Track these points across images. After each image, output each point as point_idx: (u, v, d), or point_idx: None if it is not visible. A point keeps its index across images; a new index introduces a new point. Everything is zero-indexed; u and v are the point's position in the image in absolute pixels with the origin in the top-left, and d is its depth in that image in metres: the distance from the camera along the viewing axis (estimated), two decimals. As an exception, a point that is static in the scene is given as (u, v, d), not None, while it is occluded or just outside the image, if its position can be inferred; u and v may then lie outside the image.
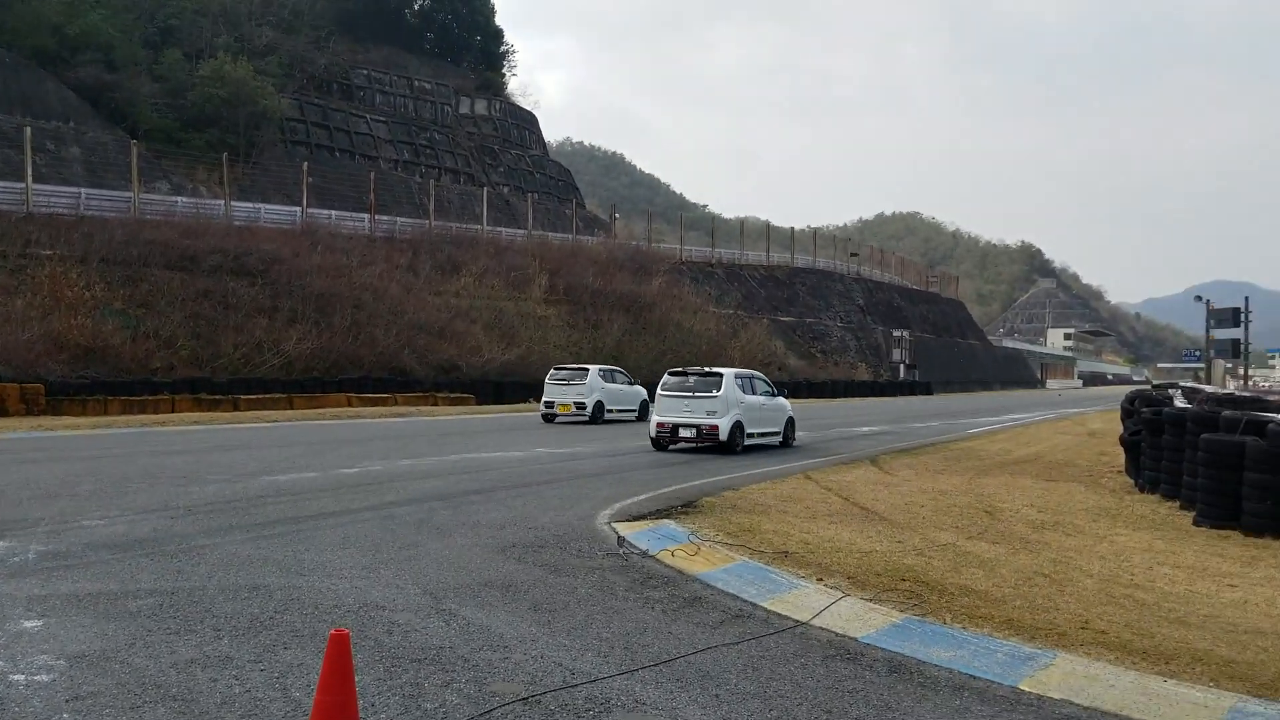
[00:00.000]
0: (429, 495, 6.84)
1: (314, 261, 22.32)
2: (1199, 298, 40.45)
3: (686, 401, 10.92)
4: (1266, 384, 69.94)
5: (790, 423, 12.04)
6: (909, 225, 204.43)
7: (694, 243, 48.61)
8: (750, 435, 11.21)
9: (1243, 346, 34.07)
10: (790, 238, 55.40)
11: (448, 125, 36.42)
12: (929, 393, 43.98)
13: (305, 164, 26.82)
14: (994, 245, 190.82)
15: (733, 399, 10.97)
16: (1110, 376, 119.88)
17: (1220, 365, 43.66)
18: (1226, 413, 7.22)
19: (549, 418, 16.14)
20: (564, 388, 16.67)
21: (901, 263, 69.30)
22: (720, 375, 11.11)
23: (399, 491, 7.00)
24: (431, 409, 18.40)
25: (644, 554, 5.14)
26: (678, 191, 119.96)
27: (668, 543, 5.41)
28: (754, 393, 11.51)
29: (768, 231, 51.75)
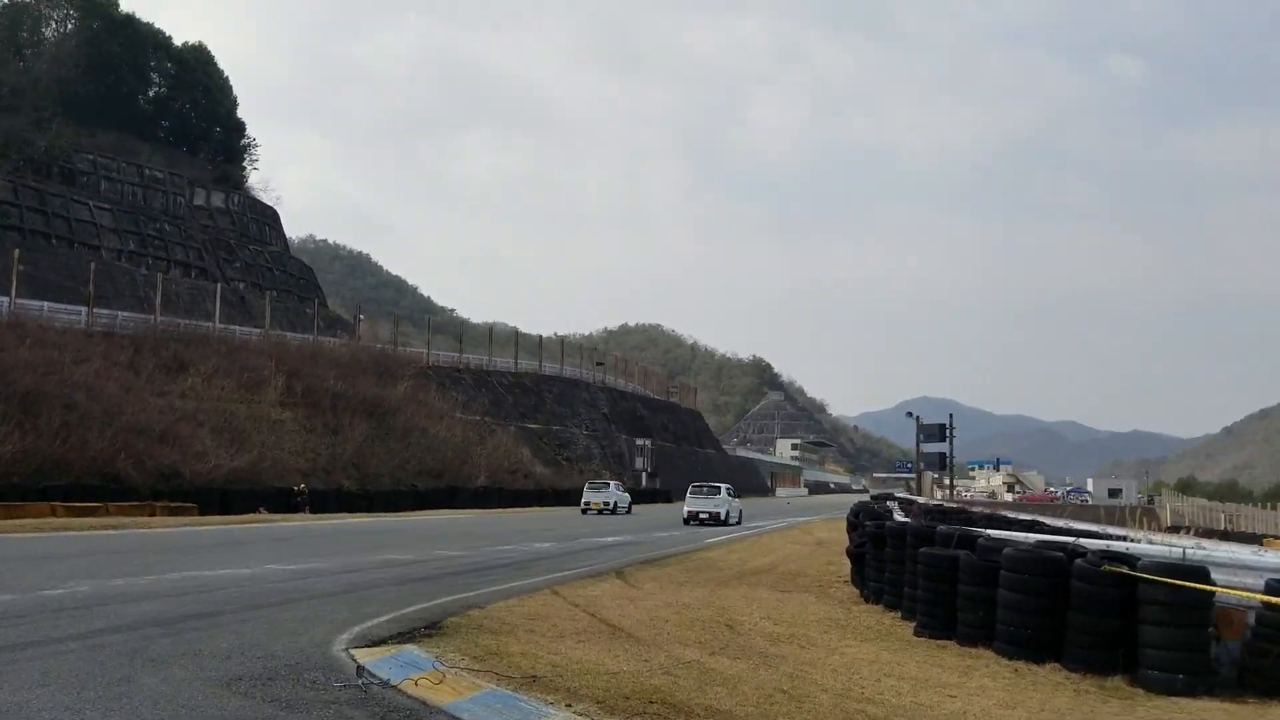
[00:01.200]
0: (145, 620, 6.43)
1: (20, 356, 21.69)
2: (910, 414, 42.09)
3: (704, 499, 25.57)
4: (969, 494, 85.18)
5: (739, 512, 26.80)
6: (651, 336, 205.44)
7: (441, 346, 48.95)
8: (731, 517, 25.31)
9: (948, 460, 37.76)
10: (538, 345, 58.59)
11: (180, 216, 36.29)
12: (669, 500, 44.58)
13: (16, 250, 26.18)
14: (729, 359, 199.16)
15: (725, 498, 25.54)
16: (833, 485, 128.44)
17: (929, 476, 43.98)
18: (942, 528, 7.85)
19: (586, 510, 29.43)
20: (598, 492, 30.38)
21: (644, 373, 69.60)
22: (720, 486, 26.88)
23: (110, 617, 6.59)
24: (149, 520, 18.33)
25: (385, 684, 5.02)
26: (425, 294, 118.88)
27: (411, 670, 5.28)
28: (732, 496, 26.97)
29: (516, 338, 52.59)
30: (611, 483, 34.85)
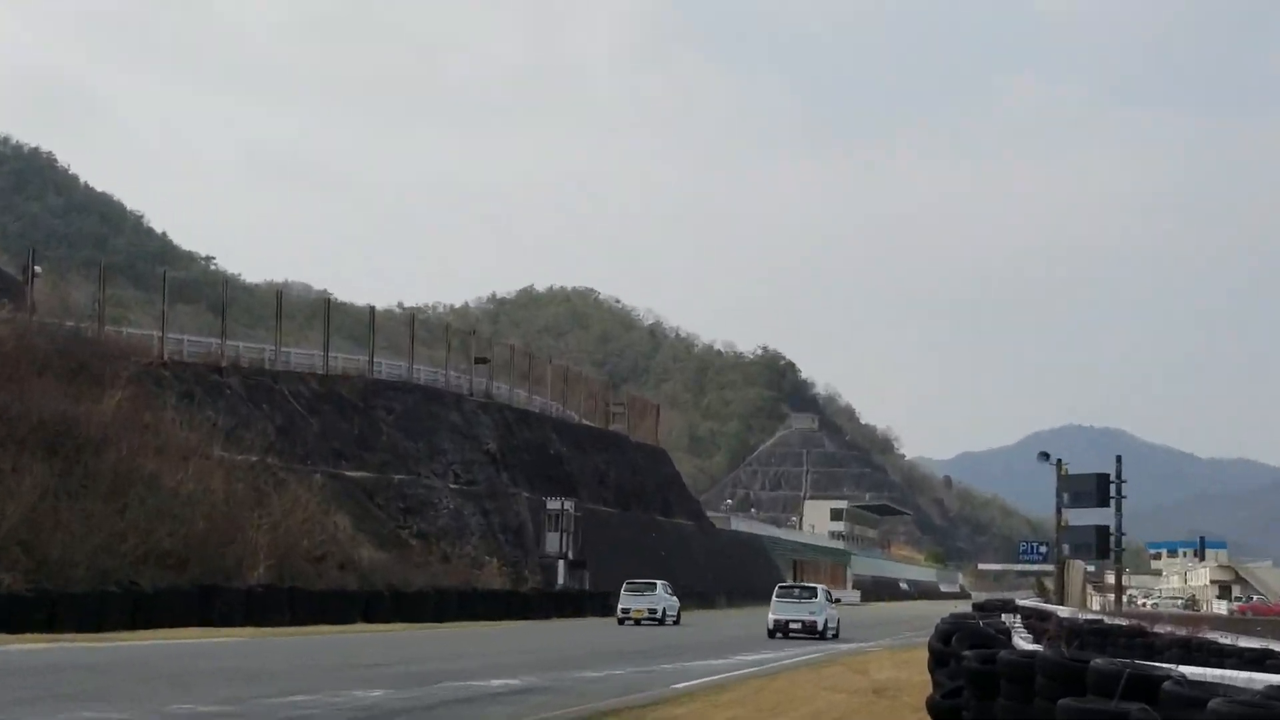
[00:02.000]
0: None
1: None
2: (1045, 455, 50.34)
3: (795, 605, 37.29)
4: (1151, 600, 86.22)
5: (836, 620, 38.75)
6: (577, 310, 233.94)
7: (191, 327, 48.46)
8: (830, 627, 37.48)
9: (1113, 539, 47.10)
10: (369, 325, 52.92)
11: None
12: (610, 613, 47.76)
13: None
14: (720, 354, 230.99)
15: (822, 603, 37.42)
16: (905, 585, 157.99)
17: (1078, 568, 57.04)
18: (1099, 662, 7.97)
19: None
20: (639, 597, 44.60)
21: (565, 377, 77.07)
22: (815, 588, 39.46)
23: None
24: None
25: None
26: (160, 230, 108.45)
27: None
28: (830, 600, 39.83)
29: (328, 312, 49.51)
30: (659, 583, 48.00)
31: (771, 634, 36.34)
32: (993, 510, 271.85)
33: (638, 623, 44.12)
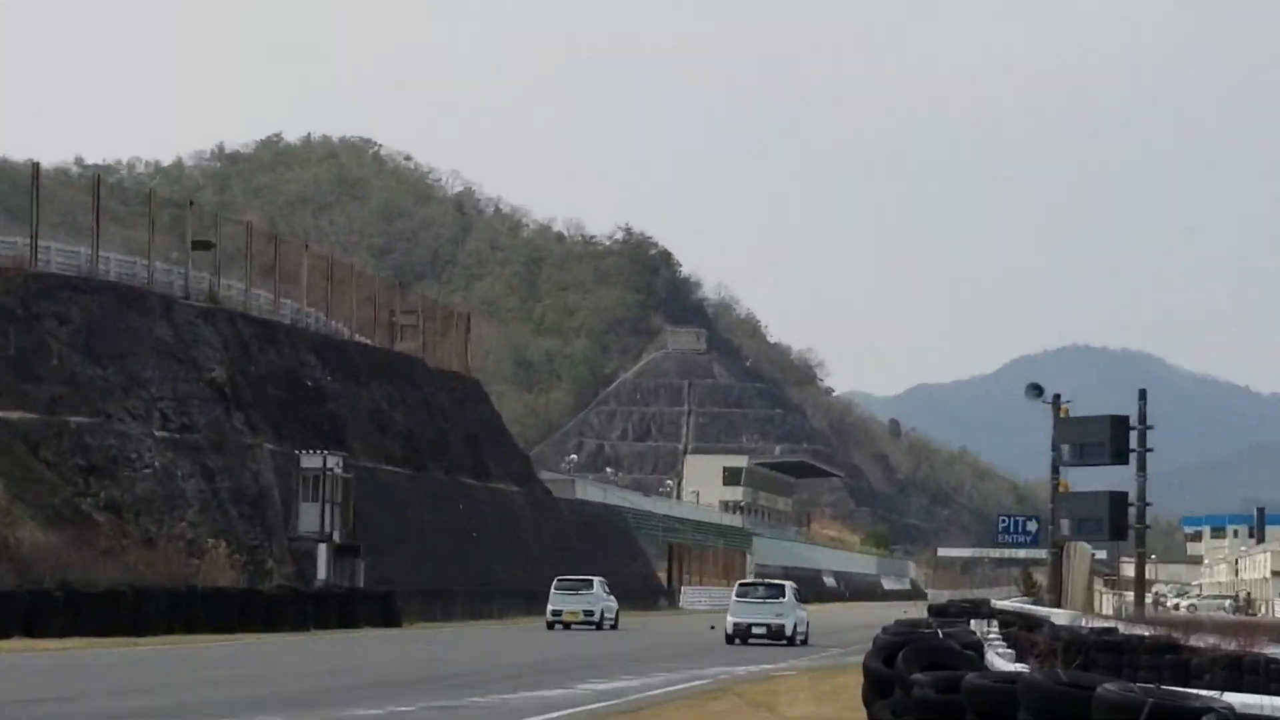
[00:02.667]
0: None
1: None
2: (1036, 388, 54.77)
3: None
4: (1185, 602, 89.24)
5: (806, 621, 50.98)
6: (347, 172, 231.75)
7: None
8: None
9: (1134, 511, 51.11)
10: (30, 189, 55.26)
11: None
12: (394, 620, 54.39)
13: None
14: (560, 236, 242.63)
15: (791, 603, 49.54)
16: (831, 580, 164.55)
17: (1082, 553, 59.67)
18: (1109, 687, 8.30)
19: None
20: (572, 597, 60.25)
21: (330, 272, 76.95)
22: (783, 586, 51.90)
23: None
24: None
25: None
26: None
27: None
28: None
29: None
30: (596, 579, 61.49)
31: (730, 639, 47.05)
32: (960, 470, 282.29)
33: (568, 626, 58.15)
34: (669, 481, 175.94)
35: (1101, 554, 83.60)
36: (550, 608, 59.12)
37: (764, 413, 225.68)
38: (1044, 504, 59.59)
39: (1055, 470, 51.92)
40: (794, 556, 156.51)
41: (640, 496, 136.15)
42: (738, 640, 46.87)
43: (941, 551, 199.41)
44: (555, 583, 60.53)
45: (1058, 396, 52.00)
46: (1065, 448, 49.65)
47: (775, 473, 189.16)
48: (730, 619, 47.39)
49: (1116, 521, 47.74)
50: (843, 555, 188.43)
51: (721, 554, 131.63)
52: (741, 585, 50.27)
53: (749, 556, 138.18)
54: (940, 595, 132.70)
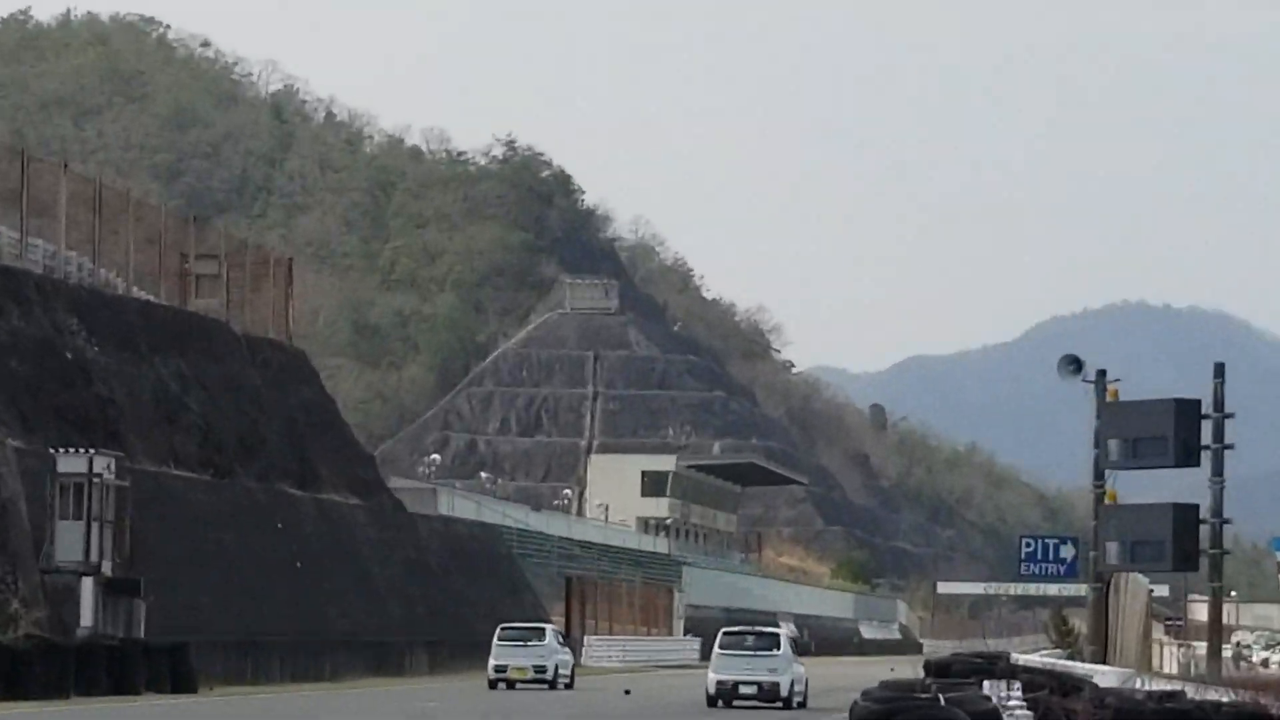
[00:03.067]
0: None
1: None
2: (1074, 362, 55.71)
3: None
4: (1276, 655, 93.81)
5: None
6: (120, 62, 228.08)
7: None
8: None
9: (1209, 529, 51.09)
10: None
11: None
12: (187, 684, 55.32)
13: None
14: (416, 152, 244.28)
15: (787, 657, 55.38)
16: (791, 627, 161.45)
17: (1137, 592, 60.14)
18: None
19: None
20: (519, 649, 68.89)
21: (97, 202, 76.77)
22: (777, 634, 58.43)
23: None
24: None
25: None
26: None
27: None
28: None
29: None
30: (548, 628, 71.76)
31: (712, 702, 52.13)
32: (968, 475, 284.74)
33: (512, 686, 65.88)
34: (567, 491, 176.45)
35: (1162, 590, 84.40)
36: (493, 663, 67.01)
37: (698, 396, 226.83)
38: (1083, 521, 60.20)
39: (1099, 475, 52.09)
40: (739, 595, 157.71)
41: (528, 512, 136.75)
42: (721, 702, 51.49)
43: (942, 587, 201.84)
44: (499, 632, 69.04)
45: (1103, 373, 52.17)
46: (1113, 444, 49.60)
47: (714, 479, 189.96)
48: (712, 675, 52.14)
49: (1184, 545, 47.48)
50: (807, 593, 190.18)
51: (640, 591, 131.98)
52: (727, 634, 54.72)
53: (677, 595, 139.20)
54: (941, 647, 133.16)
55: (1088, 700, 26.33)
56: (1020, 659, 50.78)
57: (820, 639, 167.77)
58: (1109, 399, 51.95)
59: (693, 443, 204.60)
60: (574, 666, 70.62)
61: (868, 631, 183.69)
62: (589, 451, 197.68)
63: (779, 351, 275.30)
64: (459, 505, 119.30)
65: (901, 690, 21.83)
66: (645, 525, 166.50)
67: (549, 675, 66.10)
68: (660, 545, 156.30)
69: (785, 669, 51.73)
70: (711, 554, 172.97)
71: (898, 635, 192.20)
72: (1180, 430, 48.21)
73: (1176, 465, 49.45)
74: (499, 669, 66.26)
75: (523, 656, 66.73)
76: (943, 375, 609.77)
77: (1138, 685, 36.18)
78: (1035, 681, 34.79)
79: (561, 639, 70.59)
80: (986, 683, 26.89)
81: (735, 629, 58.81)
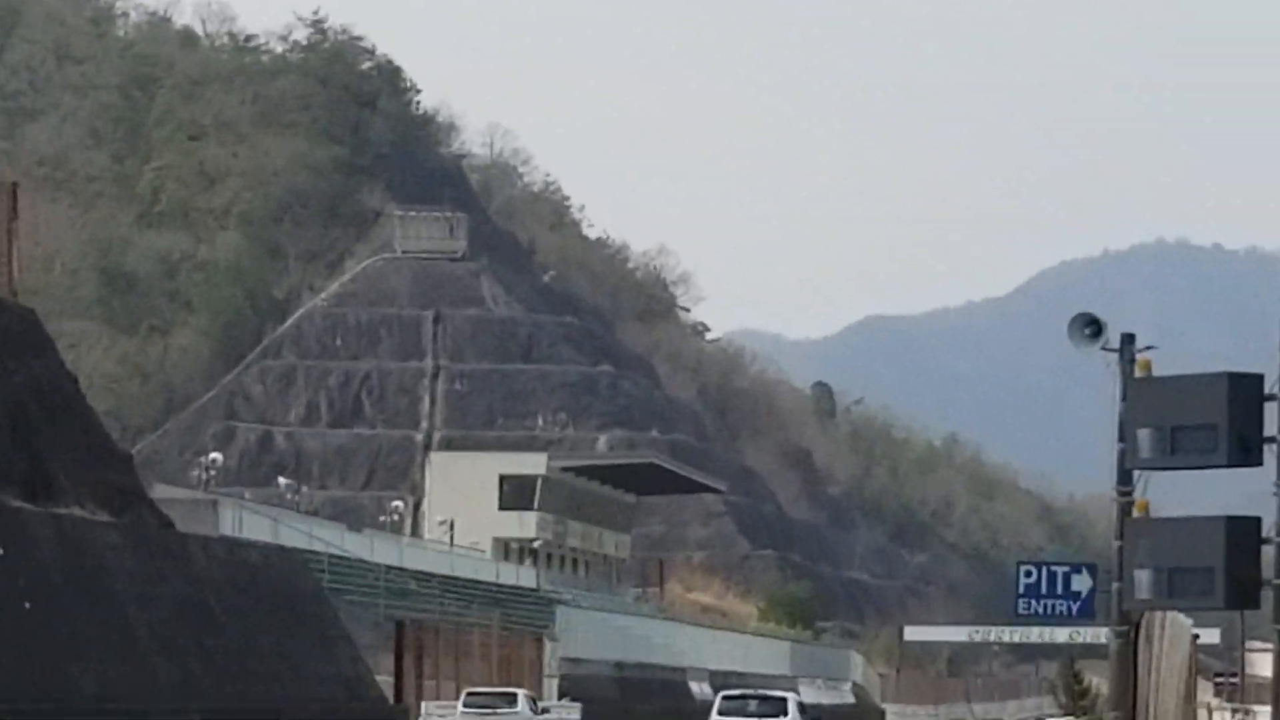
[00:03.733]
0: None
1: None
2: (1092, 324, 54.74)
3: None
4: None
5: None
6: None
7: None
8: None
9: (1276, 553, 50.34)
10: None
11: None
12: None
13: None
14: (186, 34, 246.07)
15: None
16: (703, 688, 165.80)
17: (1179, 635, 60.22)
18: None
19: None
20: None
21: None
22: (785, 700, 78.67)
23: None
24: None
25: None
26: None
27: None
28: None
29: None
30: (519, 693, 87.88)
31: None
32: (947, 477, 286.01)
33: None
34: (398, 504, 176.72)
35: (1211, 635, 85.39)
36: None
37: (577, 372, 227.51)
38: (1102, 542, 60.57)
39: (1124, 478, 52.40)
40: (634, 645, 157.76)
41: (344, 533, 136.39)
42: None
43: (911, 633, 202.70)
44: (464, 698, 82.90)
45: (1130, 338, 52.57)
46: (1143, 435, 49.48)
47: (600, 486, 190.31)
48: None
49: (1240, 574, 47.80)
50: (728, 641, 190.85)
51: (498, 640, 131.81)
52: (726, 699, 64.43)
53: (549, 645, 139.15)
54: (912, 714, 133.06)
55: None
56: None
57: (735, 707, 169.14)
58: (1139, 373, 52.36)
59: (570, 436, 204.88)
60: None
61: (810, 694, 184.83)
62: (428, 448, 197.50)
63: (688, 311, 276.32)
64: (249, 524, 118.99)
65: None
66: (505, 550, 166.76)
67: None
68: (526, 577, 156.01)
69: None
70: (596, 589, 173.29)
71: (851, 699, 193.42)
72: (1236, 416, 48.10)
73: (1230, 465, 49.31)
74: None
75: None
76: (911, 342, 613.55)
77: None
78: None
79: (534, 706, 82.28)
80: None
81: (735, 693, 66.80)
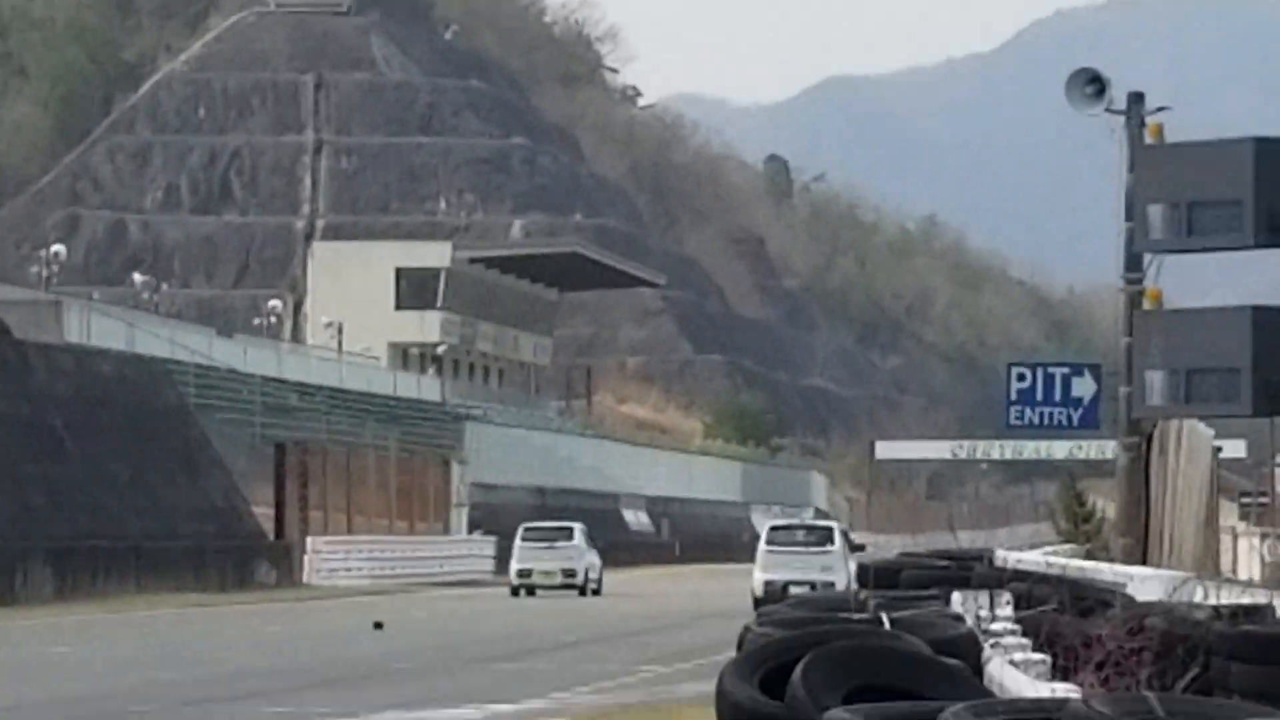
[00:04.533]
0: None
1: None
2: (1094, 81, 55.10)
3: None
4: None
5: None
6: None
7: None
8: None
9: None
10: None
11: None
12: None
13: None
14: None
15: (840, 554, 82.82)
16: (643, 515, 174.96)
17: (1199, 447, 61.01)
18: None
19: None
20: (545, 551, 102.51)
21: None
22: (830, 529, 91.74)
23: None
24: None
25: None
26: None
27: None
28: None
29: None
30: (576, 527, 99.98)
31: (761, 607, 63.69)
32: (925, 267, 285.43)
33: (532, 592, 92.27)
34: (275, 303, 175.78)
35: (1236, 448, 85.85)
36: (515, 567, 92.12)
37: (487, 146, 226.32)
38: (1107, 340, 60.75)
39: (1133, 263, 52.84)
40: (559, 466, 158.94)
41: (213, 338, 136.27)
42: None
43: (884, 449, 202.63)
44: (521, 533, 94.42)
45: (1139, 97, 52.74)
46: (1155, 211, 49.78)
47: (515, 280, 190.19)
48: (760, 576, 68.06)
49: (1270, 374, 48.15)
50: (670, 463, 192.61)
51: (394, 463, 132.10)
52: (775, 528, 71.78)
53: (457, 469, 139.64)
54: (886, 544, 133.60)
55: (1118, 621, 26.68)
56: (1011, 559, 51.55)
57: (690, 533, 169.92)
58: (1149, 139, 52.51)
59: (478, 222, 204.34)
60: (601, 569, 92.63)
61: (759, 520, 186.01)
62: (309, 238, 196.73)
63: (616, 73, 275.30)
64: (99, 329, 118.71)
65: (821, 609, 21.99)
66: (404, 357, 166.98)
67: (579, 580, 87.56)
68: (429, 389, 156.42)
69: (840, 567, 66.25)
70: (512, 402, 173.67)
71: (817, 523, 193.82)
72: (1264, 189, 48.35)
73: (1258, 246, 49.68)
74: (522, 574, 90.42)
75: (549, 559, 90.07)
76: (880, 108, 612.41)
77: (1198, 597, 36.77)
78: (1035, 593, 35.01)
79: (589, 539, 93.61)
80: (957, 595, 27.02)
81: (783, 523, 76.06)
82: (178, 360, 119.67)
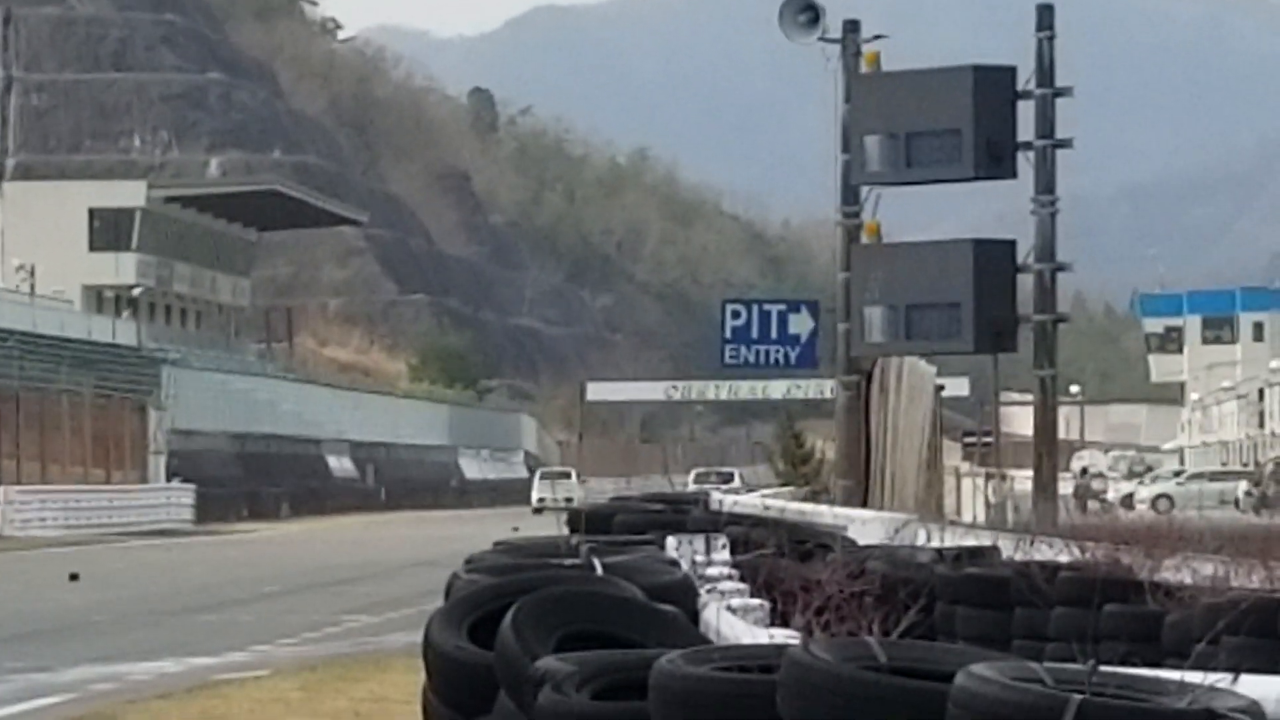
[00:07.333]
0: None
1: None
2: (809, 9, 56.06)
3: None
4: (1145, 488, 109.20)
5: None
6: None
7: None
8: None
9: (1038, 290, 53.86)
10: None
11: None
12: None
13: None
14: None
15: None
16: (347, 462, 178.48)
17: (919, 385, 62.65)
18: (976, 671, 9.72)
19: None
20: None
21: None
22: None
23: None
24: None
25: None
26: None
27: None
28: None
29: None
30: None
31: None
32: (637, 201, 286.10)
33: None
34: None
35: (959, 386, 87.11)
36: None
37: (181, 81, 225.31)
38: (824, 275, 60.97)
39: (850, 195, 53.12)
40: (257, 412, 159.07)
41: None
42: None
43: (595, 390, 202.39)
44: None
45: (853, 26, 53.03)
46: (872, 142, 50.32)
47: (212, 219, 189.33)
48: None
49: (992, 310, 48.52)
50: (372, 405, 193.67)
51: (89, 408, 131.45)
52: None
53: (154, 415, 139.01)
54: (598, 489, 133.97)
55: (838, 564, 26.84)
56: (727, 501, 51.60)
57: (396, 479, 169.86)
58: (865, 68, 52.79)
59: (174, 160, 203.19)
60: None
61: (474, 469, 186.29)
62: (0, 177, 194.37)
63: (315, 4, 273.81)
64: None
65: (532, 555, 21.93)
66: (98, 300, 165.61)
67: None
68: (124, 333, 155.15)
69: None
70: (211, 345, 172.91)
71: (524, 473, 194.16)
72: (983, 119, 48.84)
73: (978, 177, 50.13)
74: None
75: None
76: (589, 38, 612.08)
77: (920, 539, 36.94)
78: (752, 537, 35.19)
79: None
80: (671, 540, 27.07)
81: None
82: None
